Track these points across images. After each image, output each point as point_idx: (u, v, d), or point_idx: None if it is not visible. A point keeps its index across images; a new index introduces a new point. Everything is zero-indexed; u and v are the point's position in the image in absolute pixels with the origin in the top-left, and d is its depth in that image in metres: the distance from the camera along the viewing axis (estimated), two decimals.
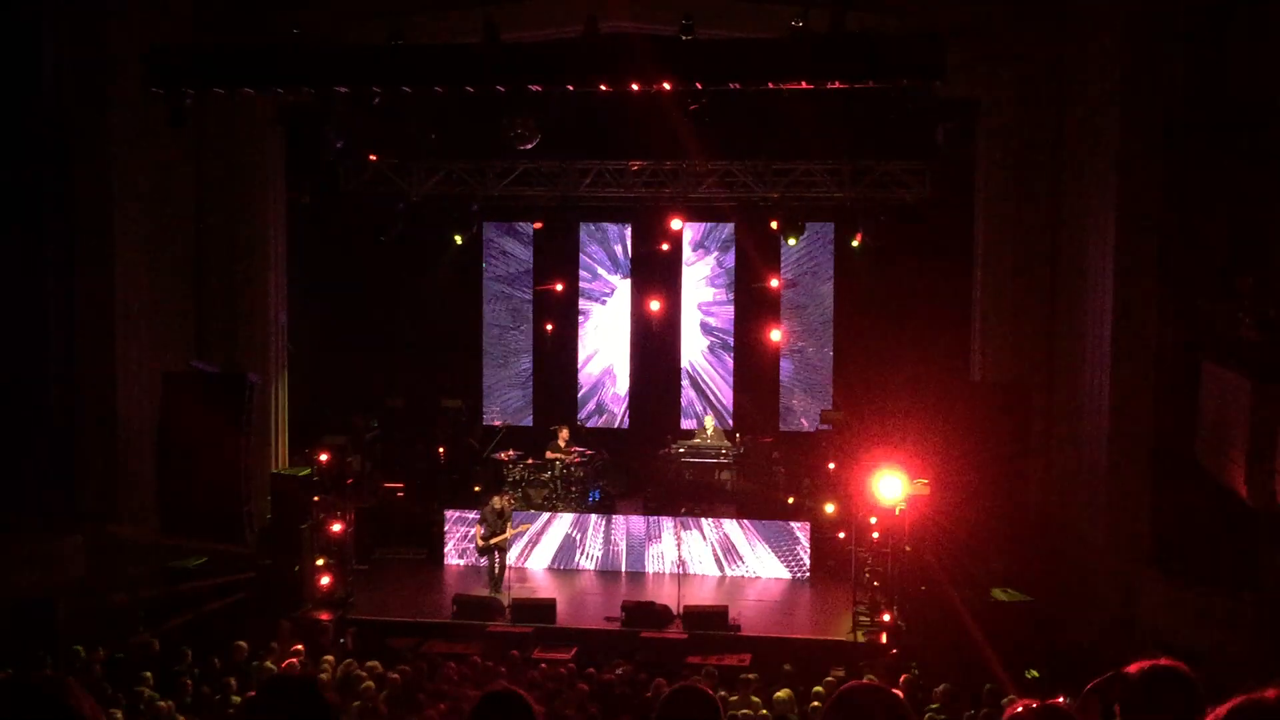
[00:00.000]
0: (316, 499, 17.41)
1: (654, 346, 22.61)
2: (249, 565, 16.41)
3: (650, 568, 18.97)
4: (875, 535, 16.75)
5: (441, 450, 20.73)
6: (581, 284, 22.85)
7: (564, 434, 20.44)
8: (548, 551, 19.25)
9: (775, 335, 22.10)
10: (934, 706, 12.00)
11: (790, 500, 19.77)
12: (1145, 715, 3.81)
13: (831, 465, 18.91)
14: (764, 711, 11.88)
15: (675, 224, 21.11)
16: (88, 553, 15.81)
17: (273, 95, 15.33)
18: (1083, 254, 15.58)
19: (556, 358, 22.90)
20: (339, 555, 17.46)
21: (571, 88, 13.76)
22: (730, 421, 22.16)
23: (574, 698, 12.24)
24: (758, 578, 18.70)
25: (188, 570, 15.98)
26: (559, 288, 22.64)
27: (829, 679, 13.56)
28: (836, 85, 13.26)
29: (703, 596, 17.31)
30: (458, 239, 20.78)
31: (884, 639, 15.78)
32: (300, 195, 18.99)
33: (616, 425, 22.80)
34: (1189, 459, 13.06)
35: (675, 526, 18.69)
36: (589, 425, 22.30)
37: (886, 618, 16.23)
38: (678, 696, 4.06)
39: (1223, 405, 12.10)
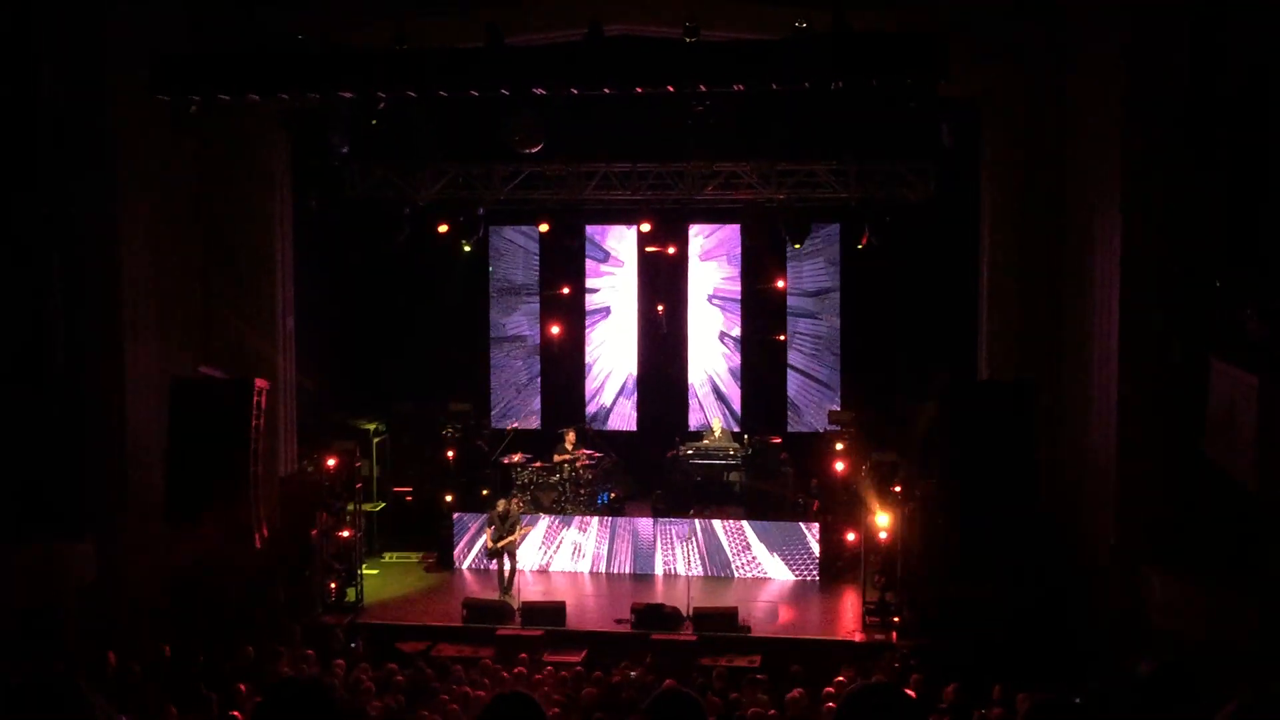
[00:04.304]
0: (325, 503, 17.43)
1: (661, 348, 22.61)
2: (259, 570, 16.43)
3: (660, 570, 18.98)
4: (884, 536, 16.74)
5: (450, 454, 20.74)
6: (587, 286, 22.86)
7: (571, 436, 20.46)
8: (558, 554, 19.26)
9: (782, 336, 22.11)
10: (944, 706, 12.00)
11: (800, 501, 19.76)
12: (1153, 712, 3.81)
13: (840, 466, 18.89)
14: (772, 712, 11.88)
15: (681, 226, 21.11)
16: (97, 559, 15.85)
17: (277, 101, 15.34)
18: (1089, 250, 15.55)
19: (564, 360, 22.91)
20: (348, 560, 17.49)
21: (576, 91, 13.77)
22: (738, 423, 22.16)
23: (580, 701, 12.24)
24: (767, 579, 18.70)
25: (197, 575, 15.98)
26: (565, 290, 22.65)
27: (839, 679, 13.58)
28: (840, 85, 13.25)
29: (712, 598, 17.30)
30: (463, 242, 20.79)
31: (894, 639, 15.77)
32: (306, 200, 19.02)
33: (624, 427, 22.80)
34: (1197, 455, 13.03)
35: (684, 528, 18.72)
36: (596, 428, 22.31)
37: (896, 618, 16.23)
38: (662, 700, 4.07)
39: (1231, 401, 12.07)
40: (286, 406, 18.58)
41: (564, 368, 22.92)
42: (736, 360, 22.61)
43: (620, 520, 19.43)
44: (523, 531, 18.17)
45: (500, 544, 17.56)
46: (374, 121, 14.71)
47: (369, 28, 15.44)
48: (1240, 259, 12.80)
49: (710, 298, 22.60)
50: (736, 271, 22.47)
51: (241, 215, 17.97)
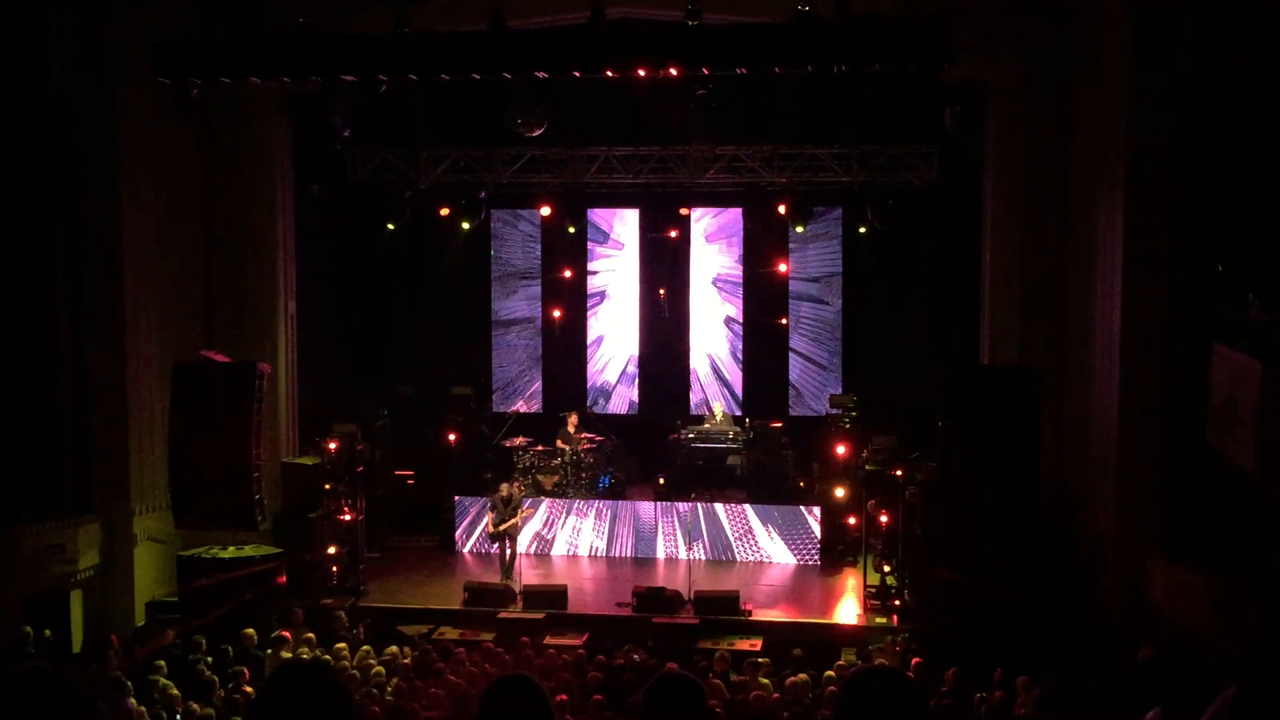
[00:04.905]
0: (327, 487, 17.46)
1: (662, 332, 22.60)
2: (263, 555, 16.46)
3: (661, 553, 19.01)
4: (885, 519, 16.76)
5: (452, 437, 20.75)
6: (589, 270, 22.84)
7: (573, 420, 20.48)
8: (559, 538, 19.30)
9: (784, 320, 22.11)
10: (944, 690, 12.03)
11: (801, 484, 19.78)
12: (1153, 698, 3.82)
13: (841, 449, 18.90)
14: (774, 695, 11.91)
15: (683, 210, 21.09)
16: (101, 543, 15.89)
17: (279, 85, 15.32)
18: (1092, 235, 15.53)
19: (566, 344, 22.90)
20: (350, 543, 17.52)
21: (578, 74, 13.74)
22: (739, 407, 22.16)
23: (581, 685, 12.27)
24: (769, 562, 18.73)
25: (199, 560, 16.00)
26: (567, 274, 22.64)
27: (840, 663, 13.62)
28: (843, 69, 13.22)
29: (714, 581, 17.32)
30: (465, 225, 20.82)
31: (895, 623, 15.80)
32: (308, 184, 19.01)
33: (626, 411, 22.81)
34: (1199, 442, 13.01)
35: (686, 512, 18.74)
36: (598, 411, 22.32)
37: (897, 602, 16.26)
38: (662, 683, 4.07)
39: (1233, 388, 12.04)
40: (288, 390, 18.61)
41: (565, 351, 22.92)
42: (738, 344, 22.60)
43: (621, 504, 19.46)
44: (524, 515, 18.20)
45: (502, 527, 17.58)
46: (377, 108, 14.69)
47: (372, 13, 15.40)
48: (1244, 246, 12.77)
49: (713, 281, 22.58)
50: (739, 255, 22.44)
51: (244, 200, 17.98)
